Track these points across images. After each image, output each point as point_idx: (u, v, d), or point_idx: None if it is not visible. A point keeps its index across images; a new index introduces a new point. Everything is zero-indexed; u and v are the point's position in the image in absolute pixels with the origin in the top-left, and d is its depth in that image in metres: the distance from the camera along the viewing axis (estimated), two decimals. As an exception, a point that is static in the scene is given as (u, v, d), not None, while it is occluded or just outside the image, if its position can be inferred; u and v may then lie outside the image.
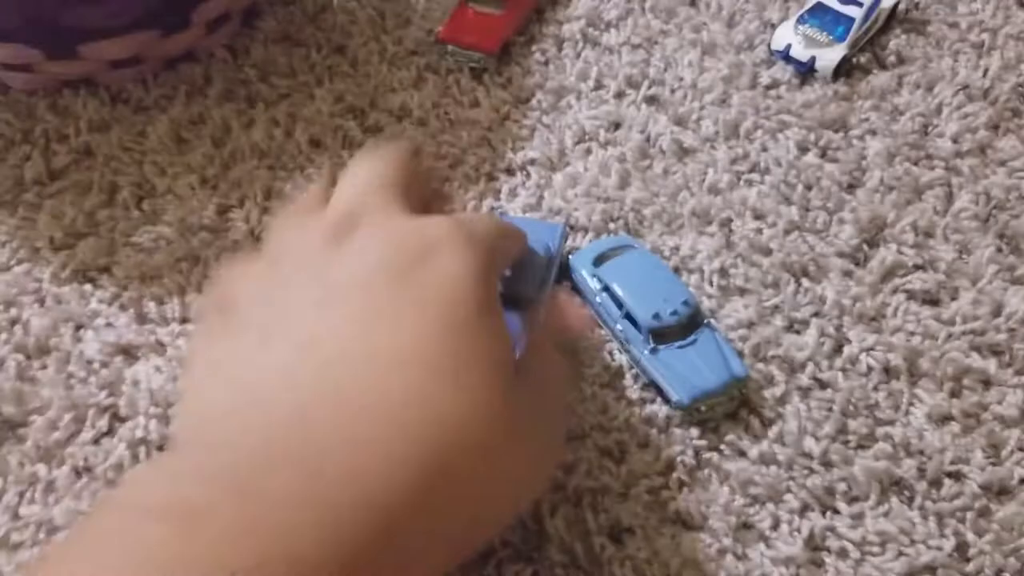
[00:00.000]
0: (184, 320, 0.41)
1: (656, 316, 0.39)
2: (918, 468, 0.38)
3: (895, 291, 0.43)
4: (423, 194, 0.33)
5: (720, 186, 0.47)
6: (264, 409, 0.25)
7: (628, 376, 0.40)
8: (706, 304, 0.43)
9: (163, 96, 0.51)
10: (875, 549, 0.35)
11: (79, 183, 0.46)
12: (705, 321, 0.40)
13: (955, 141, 0.49)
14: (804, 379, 0.40)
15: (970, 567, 0.35)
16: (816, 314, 0.42)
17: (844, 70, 0.52)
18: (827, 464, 0.38)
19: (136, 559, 0.21)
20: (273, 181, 0.47)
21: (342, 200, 0.31)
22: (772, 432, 0.39)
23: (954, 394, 0.40)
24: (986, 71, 0.53)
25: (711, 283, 0.44)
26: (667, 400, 0.39)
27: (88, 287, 0.42)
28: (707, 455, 0.38)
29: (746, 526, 0.36)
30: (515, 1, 0.53)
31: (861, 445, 0.38)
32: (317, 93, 0.51)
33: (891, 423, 0.39)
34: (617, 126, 0.50)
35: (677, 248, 0.45)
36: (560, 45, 0.54)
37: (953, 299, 0.43)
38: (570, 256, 0.44)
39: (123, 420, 0.38)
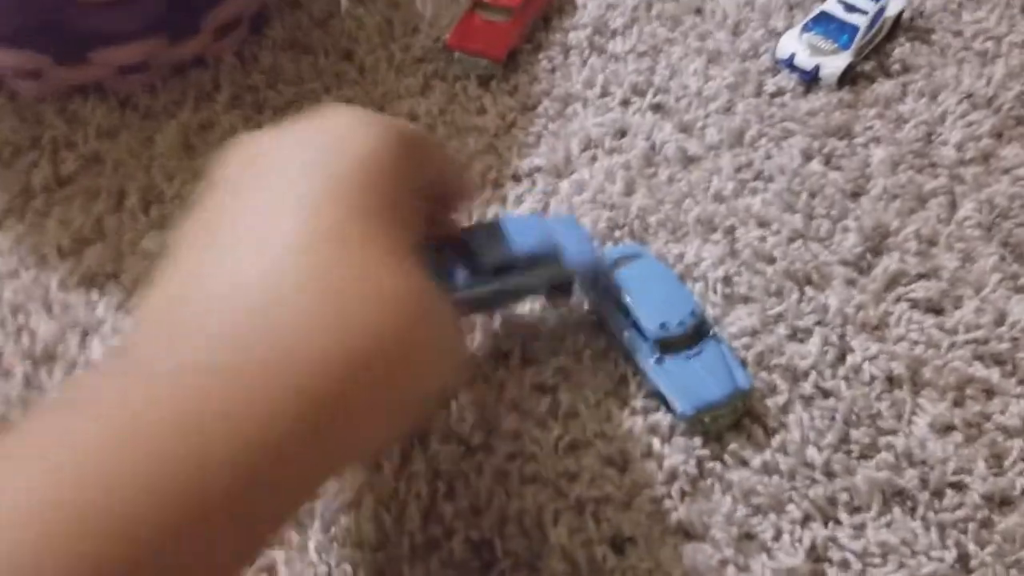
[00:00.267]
0: (191, 327, 0.42)
1: (663, 326, 0.39)
2: (920, 478, 0.38)
3: (898, 300, 0.43)
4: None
5: (724, 194, 0.47)
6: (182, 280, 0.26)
7: (632, 385, 0.40)
8: (710, 312, 0.43)
9: (172, 102, 0.51)
10: (876, 560, 0.36)
11: (87, 189, 0.47)
12: (711, 331, 0.41)
13: (959, 149, 0.49)
14: (807, 388, 0.40)
15: (972, 578, 0.35)
16: (819, 323, 0.43)
17: (849, 78, 0.52)
18: (829, 474, 0.38)
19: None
20: (280, 188, 0.47)
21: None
22: (775, 441, 0.39)
23: (957, 404, 0.40)
24: (990, 79, 0.53)
25: (715, 291, 0.44)
26: (671, 410, 0.39)
27: (95, 294, 0.43)
28: (710, 465, 0.38)
29: (748, 536, 0.37)
30: (522, 9, 0.53)
31: (863, 455, 0.39)
32: (325, 100, 0.51)
33: (893, 433, 0.39)
34: (623, 133, 0.50)
35: (681, 256, 0.45)
36: (567, 53, 0.54)
37: (956, 308, 0.43)
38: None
39: (131, 427, 0.38)
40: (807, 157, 0.49)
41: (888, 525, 0.37)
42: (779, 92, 0.52)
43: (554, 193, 0.47)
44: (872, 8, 0.53)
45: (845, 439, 0.39)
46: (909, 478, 0.38)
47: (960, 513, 0.37)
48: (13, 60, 0.48)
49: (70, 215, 0.46)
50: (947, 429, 0.39)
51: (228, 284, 0.25)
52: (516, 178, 0.48)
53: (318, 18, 0.55)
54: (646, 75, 0.53)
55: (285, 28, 0.54)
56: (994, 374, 0.41)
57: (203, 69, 0.52)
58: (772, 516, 0.37)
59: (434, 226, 0.34)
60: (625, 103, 0.51)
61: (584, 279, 0.40)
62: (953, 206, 0.47)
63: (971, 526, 0.36)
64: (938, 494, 0.37)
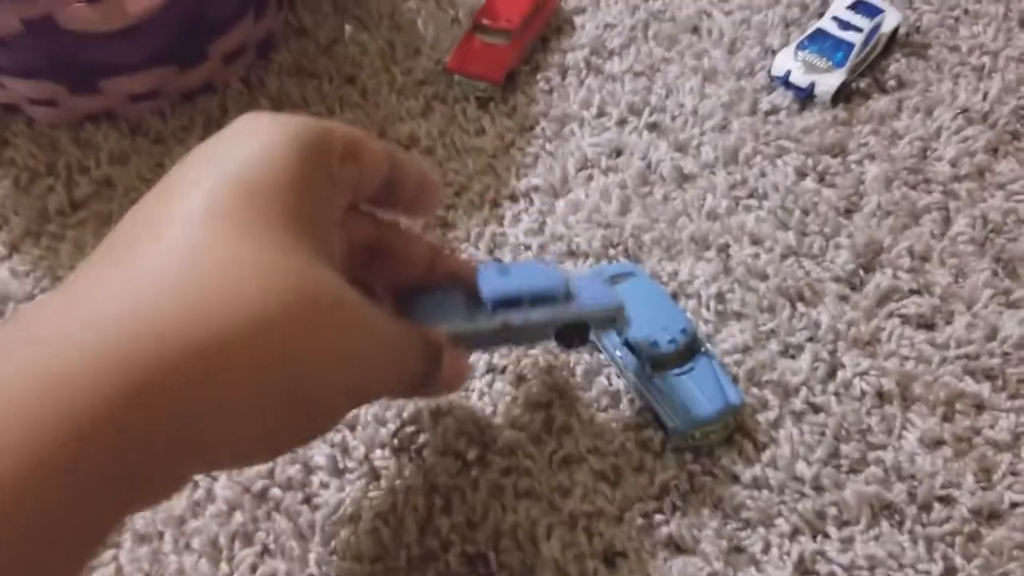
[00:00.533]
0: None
1: (654, 344, 0.40)
2: (909, 492, 0.38)
3: (890, 315, 0.44)
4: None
5: (719, 212, 0.48)
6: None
7: (625, 401, 0.41)
8: (703, 329, 0.44)
9: (181, 128, 0.53)
10: (864, 573, 0.36)
11: (100, 213, 0.49)
12: (703, 349, 0.41)
13: (953, 165, 0.50)
14: (798, 403, 0.41)
15: (958, 591, 0.36)
16: (811, 339, 0.43)
17: (844, 95, 0.53)
18: (818, 488, 0.39)
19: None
20: (284, 210, 0.48)
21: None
22: (765, 456, 0.39)
23: (946, 418, 0.41)
24: (986, 94, 0.53)
25: (708, 308, 0.44)
26: (663, 426, 0.40)
27: (106, 316, 0.44)
28: (701, 479, 0.39)
29: (737, 550, 0.37)
30: (520, 32, 0.54)
31: (853, 469, 0.39)
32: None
33: (883, 447, 0.40)
34: (619, 153, 0.51)
35: (675, 273, 0.46)
36: (564, 73, 0.55)
37: (948, 323, 0.44)
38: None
39: (137, 445, 0.40)
40: (801, 174, 0.50)
41: (876, 539, 0.37)
42: (774, 110, 0.53)
43: (550, 212, 0.48)
44: (867, 25, 0.53)
45: (835, 454, 0.40)
46: (897, 492, 0.38)
47: (948, 527, 0.37)
48: (29, 90, 0.49)
49: (84, 238, 0.47)
50: (937, 444, 0.40)
51: (112, 270, 0.25)
52: (513, 198, 0.49)
53: (323, 44, 0.56)
54: (642, 95, 0.53)
55: (291, 54, 0.56)
56: (984, 389, 0.41)
57: (211, 95, 0.54)
58: (761, 530, 0.38)
59: (384, 228, 0.35)
60: (621, 123, 0.52)
61: (600, 321, 0.38)
62: (947, 222, 0.48)
63: (958, 539, 0.37)
64: (926, 508, 0.38)
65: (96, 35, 0.46)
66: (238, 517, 0.38)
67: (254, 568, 0.37)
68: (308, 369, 0.26)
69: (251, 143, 0.28)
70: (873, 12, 0.54)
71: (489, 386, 0.42)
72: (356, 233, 0.34)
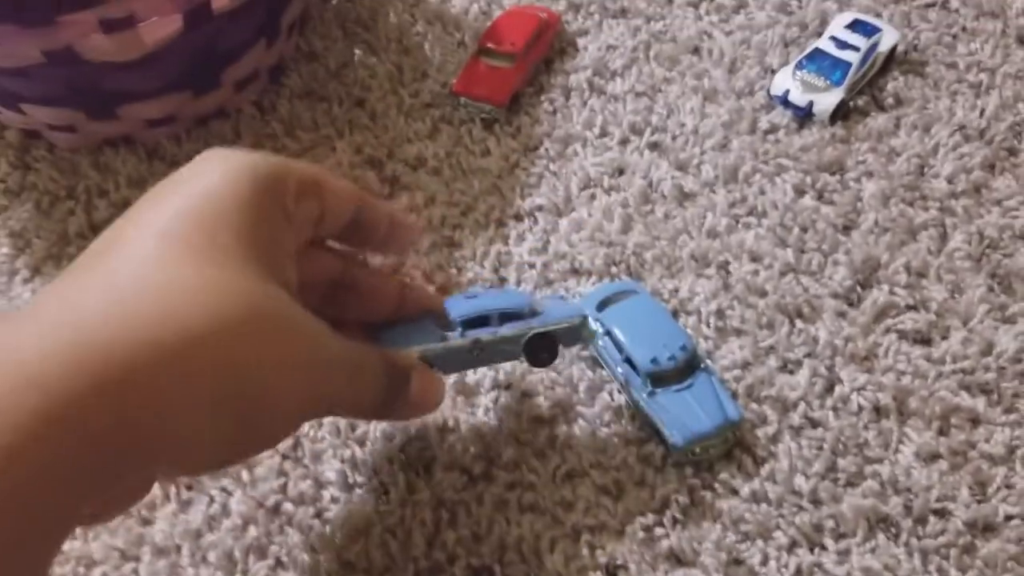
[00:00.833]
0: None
1: (654, 361, 0.41)
2: (905, 505, 0.39)
3: (887, 331, 0.45)
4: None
5: (719, 230, 0.49)
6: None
7: (627, 416, 0.42)
8: (703, 345, 0.45)
9: (196, 151, 0.52)
10: (859, 584, 0.37)
11: (117, 237, 0.50)
12: (702, 365, 0.42)
13: (950, 181, 0.51)
14: (796, 418, 0.42)
15: (952, 602, 0.37)
16: (809, 354, 0.44)
17: (842, 113, 0.54)
18: (816, 502, 0.40)
19: None
20: (296, 231, 0.50)
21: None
22: (764, 471, 0.40)
23: (942, 432, 0.42)
24: (983, 111, 0.54)
25: (708, 325, 0.46)
26: (663, 441, 0.41)
27: (124, 336, 0.46)
28: (701, 493, 0.40)
29: (737, 562, 0.38)
30: (524, 55, 0.56)
31: (850, 483, 0.40)
32: (338, 145, 0.54)
33: (880, 461, 0.41)
34: (621, 172, 0.52)
35: (676, 290, 0.47)
36: (567, 94, 0.57)
37: (944, 338, 0.45)
38: (575, 300, 0.46)
39: (155, 462, 0.41)
40: (800, 192, 0.51)
41: (872, 551, 0.38)
42: (773, 129, 0.54)
43: (554, 231, 0.50)
44: (864, 45, 0.54)
45: (832, 468, 0.40)
46: (894, 505, 0.39)
47: (943, 539, 0.38)
48: (50, 116, 0.51)
49: (101, 261, 0.49)
50: (933, 457, 0.41)
51: (76, 281, 0.28)
52: (518, 217, 0.51)
53: (333, 68, 0.58)
54: (644, 115, 0.55)
55: (302, 78, 0.57)
56: (980, 403, 0.42)
57: (225, 119, 0.55)
58: (760, 542, 0.39)
59: (351, 264, 0.38)
60: (623, 142, 0.54)
61: (567, 333, 0.40)
62: (943, 238, 0.49)
63: (953, 552, 0.38)
64: (922, 520, 0.39)
65: (114, 64, 0.47)
66: (252, 531, 0.39)
67: (267, 581, 0.38)
68: (255, 374, 0.28)
69: (209, 177, 0.30)
70: (870, 31, 0.55)
71: (495, 402, 0.43)
72: (319, 268, 0.36)
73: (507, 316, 0.39)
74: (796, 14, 0.60)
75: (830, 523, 0.39)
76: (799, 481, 0.40)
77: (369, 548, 0.39)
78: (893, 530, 0.39)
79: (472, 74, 0.56)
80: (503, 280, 0.48)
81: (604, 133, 0.54)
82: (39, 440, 0.23)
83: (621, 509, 0.39)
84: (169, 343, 0.26)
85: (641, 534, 0.39)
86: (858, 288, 0.47)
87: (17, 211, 0.52)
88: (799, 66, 0.55)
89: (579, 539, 0.39)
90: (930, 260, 0.48)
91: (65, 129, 0.53)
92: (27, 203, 0.52)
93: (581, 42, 0.59)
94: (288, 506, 0.40)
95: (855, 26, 0.56)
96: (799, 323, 0.45)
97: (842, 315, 0.46)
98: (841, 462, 0.41)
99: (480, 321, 0.38)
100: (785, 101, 0.54)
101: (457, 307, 0.39)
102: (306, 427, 0.42)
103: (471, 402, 0.43)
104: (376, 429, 0.42)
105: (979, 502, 0.40)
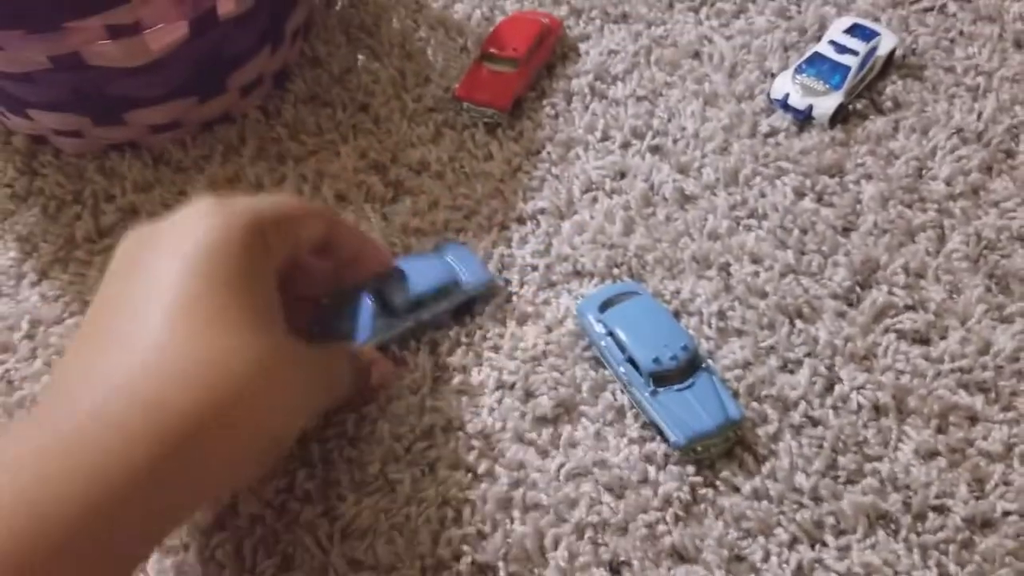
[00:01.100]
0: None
1: (656, 360, 0.42)
2: (904, 502, 0.40)
3: (886, 331, 0.45)
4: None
5: (720, 232, 0.50)
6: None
7: (630, 415, 0.43)
8: (704, 346, 0.45)
9: (201, 156, 0.55)
10: (860, 580, 0.38)
11: (125, 240, 0.51)
12: (704, 364, 0.43)
13: (948, 183, 0.51)
14: (796, 417, 0.42)
15: (952, 597, 0.37)
16: (809, 354, 0.45)
17: (841, 117, 0.55)
18: (817, 499, 0.40)
19: None
20: (301, 235, 0.50)
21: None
22: (765, 468, 0.41)
23: (941, 430, 0.42)
24: (980, 114, 0.55)
25: (709, 325, 0.46)
26: (666, 440, 0.41)
27: (132, 338, 0.46)
28: (702, 491, 0.40)
29: (738, 559, 0.39)
30: (527, 60, 0.56)
31: (850, 480, 0.41)
32: (343, 150, 0.55)
33: (879, 459, 0.41)
34: (622, 175, 0.53)
35: (678, 292, 0.47)
36: (569, 99, 0.57)
37: (942, 338, 0.45)
38: (577, 301, 0.47)
39: (163, 462, 0.42)
40: (799, 195, 0.51)
41: (872, 547, 0.39)
42: (773, 132, 0.54)
43: (556, 234, 0.50)
44: (863, 49, 0.55)
45: (832, 465, 0.41)
46: (893, 502, 0.40)
47: (942, 535, 0.39)
48: (56, 122, 0.52)
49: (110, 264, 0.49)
50: (931, 455, 0.41)
51: (107, 360, 0.31)
52: (521, 220, 0.51)
53: (336, 73, 0.58)
54: (645, 118, 0.55)
55: (306, 83, 0.58)
56: (978, 401, 0.43)
57: (230, 124, 0.56)
58: (761, 539, 0.39)
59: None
60: (625, 146, 0.54)
61: (483, 296, 0.47)
62: (941, 239, 0.49)
63: (952, 547, 0.38)
64: (921, 517, 0.39)
65: (120, 70, 0.48)
66: (259, 530, 0.40)
67: (275, 579, 0.39)
68: (276, 417, 0.34)
69: (197, 235, 0.33)
70: (869, 35, 0.56)
71: (499, 402, 0.43)
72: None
73: (441, 293, 0.45)
74: (795, 19, 0.61)
75: (830, 520, 0.39)
76: (800, 479, 0.40)
77: (375, 546, 0.39)
78: (893, 526, 0.39)
79: (475, 79, 0.56)
80: (507, 283, 0.48)
81: (606, 137, 0.55)
82: (123, 502, 0.28)
83: (624, 507, 0.40)
84: (202, 412, 0.30)
85: (644, 531, 0.39)
86: (857, 289, 0.47)
87: (24, 216, 0.53)
88: (799, 70, 0.56)
89: (583, 536, 0.39)
90: (928, 261, 0.48)
91: (71, 134, 0.53)
92: (34, 208, 0.53)
93: (583, 47, 0.60)
94: (295, 505, 0.40)
95: (854, 30, 0.57)
96: (799, 323, 0.46)
97: (842, 315, 0.46)
98: (841, 460, 0.41)
99: (419, 303, 0.45)
100: (785, 105, 0.55)
101: (394, 291, 0.44)
102: (310, 425, 0.43)
103: (475, 402, 0.43)
104: (383, 429, 0.42)
105: (977, 499, 0.40)
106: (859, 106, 0.56)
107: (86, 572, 0.28)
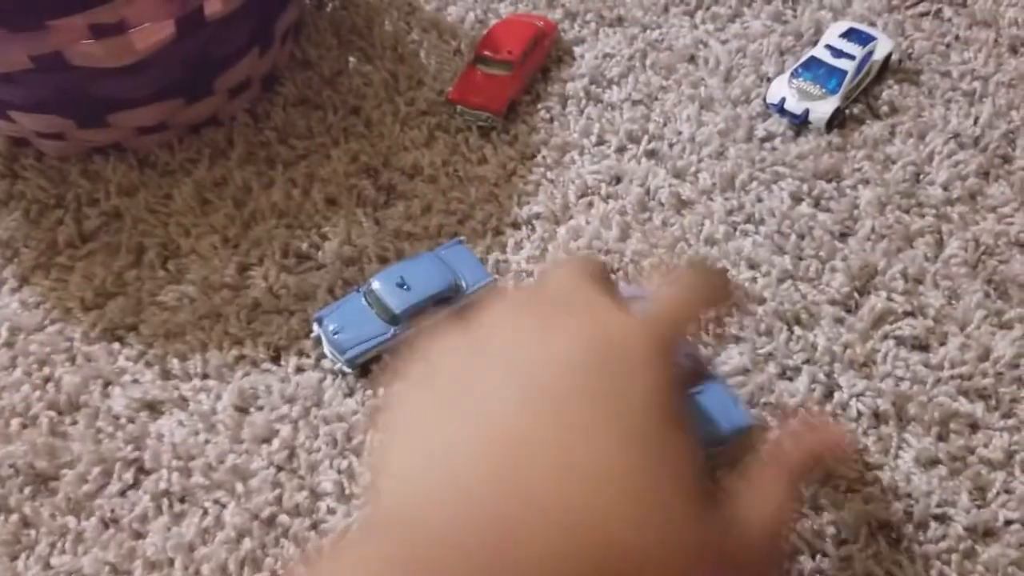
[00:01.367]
0: (205, 376, 0.44)
1: None
2: (905, 511, 0.39)
3: (885, 337, 0.45)
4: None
5: (716, 237, 0.49)
6: (463, 499, 0.25)
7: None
8: (703, 352, 0.44)
9: (188, 160, 0.54)
10: (862, 592, 0.37)
11: (109, 245, 0.50)
12: (711, 375, 0.42)
13: (946, 188, 0.51)
14: (796, 425, 0.42)
15: (956, 609, 0.37)
16: (808, 361, 0.44)
17: (838, 121, 0.54)
18: (817, 508, 0.39)
19: None
20: (291, 239, 0.50)
21: (553, 283, 0.31)
22: (764, 477, 0.40)
23: (941, 438, 0.41)
24: (977, 119, 0.54)
25: (707, 332, 0.45)
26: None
27: (116, 345, 0.45)
28: (701, 501, 0.39)
29: (738, 570, 0.38)
30: (521, 63, 0.55)
31: (850, 489, 0.40)
32: (333, 153, 0.54)
33: (880, 467, 0.41)
34: (618, 180, 0.52)
35: (674, 298, 0.47)
36: (564, 103, 0.56)
37: (942, 344, 0.45)
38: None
39: (148, 473, 0.41)
40: (796, 200, 0.51)
41: (874, 557, 0.38)
42: (769, 136, 0.54)
43: (552, 239, 0.49)
44: (859, 53, 0.55)
45: (833, 474, 0.40)
46: (894, 511, 0.39)
47: (944, 544, 0.38)
48: (38, 124, 0.51)
49: (93, 270, 0.48)
50: (932, 463, 0.41)
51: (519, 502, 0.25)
52: (516, 225, 0.50)
53: (327, 76, 0.58)
54: (641, 123, 0.55)
55: (296, 86, 0.57)
56: (978, 408, 0.42)
57: (217, 127, 0.55)
58: (761, 550, 0.38)
59: None
60: (620, 150, 0.54)
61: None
62: (939, 245, 0.49)
63: (954, 557, 0.38)
64: (922, 526, 0.39)
65: (104, 71, 0.47)
66: (247, 544, 0.39)
67: (263, 593, 0.38)
68: None
69: (647, 376, 0.27)
70: (865, 40, 0.55)
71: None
72: None
73: (441, 299, 0.44)
74: (791, 23, 0.60)
75: (831, 529, 0.39)
76: (800, 488, 0.40)
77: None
78: (894, 536, 0.39)
79: (468, 82, 0.55)
80: (500, 288, 0.47)
81: (601, 141, 0.54)
82: None
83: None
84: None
85: None
86: (856, 295, 0.47)
87: (5, 220, 0.51)
88: (795, 74, 0.55)
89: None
90: (927, 266, 0.48)
91: (54, 137, 0.52)
92: (15, 212, 0.52)
93: (578, 50, 0.59)
94: (284, 518, 0.39)
95: (850, 35, 0.56)
96: (797, 330, 0.45)
97: (840, 321, 0.45)
98: (841, 468, 0.40)
99: (419, 310, 0.44)
100: (781, 109, 0.54)
101: (395, 297, 0.44)
102: (302, 438, 0.42)
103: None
104: (373, 439, 0.41)
105: (979, 507, 0.39)
106: (855, 111, 0.55)
107: None
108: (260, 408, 0.43)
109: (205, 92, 0.52)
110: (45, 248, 0.50)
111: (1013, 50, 0.59)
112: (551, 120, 0.56)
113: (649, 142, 0.54)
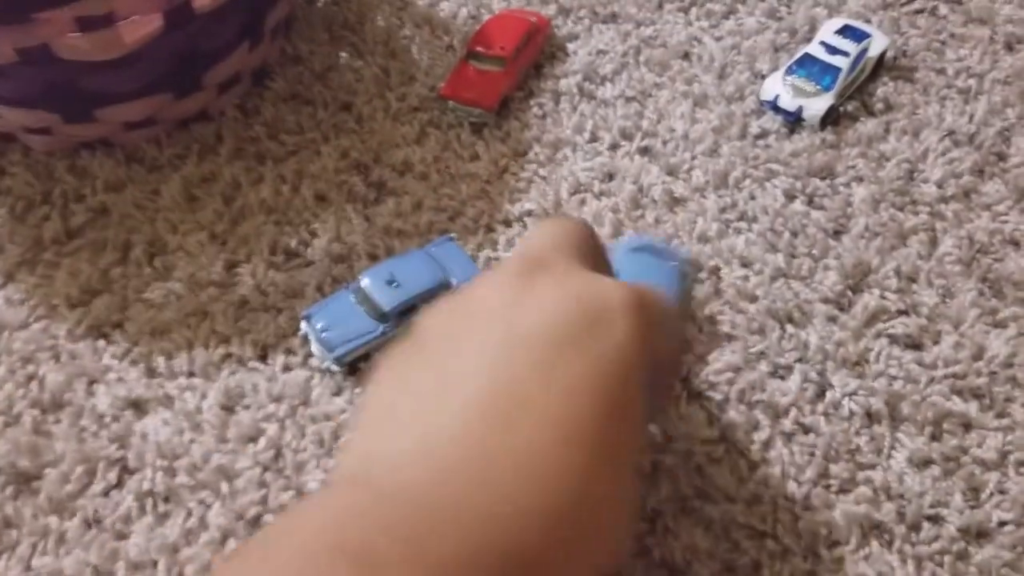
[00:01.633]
0: (191, 374, 0.44)
1: None
2: (898, 512, 0.39)
3: (878, 336, 0.44)
4: (595, 265, 0.34)
5: (709, 235, 0.49)
6: (438, 461, 0.25)
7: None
8: (695, 350, 0.44)
9: (176, 155, 0.53)
10: (854, 593, 0.36)
11: (95, 241, 0.49)
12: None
13: (940, 186, 0.51)
14: (788, 424, 0.41)
15: (948, 611, 0.36)
16: (800, 359, 0.44)
17: (832, 119, 0.54)
18: (809, 508, 0.39)
19: None
20: (279, 236, 0.49)
21: (531, 247, 0.32)
22: (757, 476, 0.40)
23: (935, 438, 0.41)
24: (972, 116, 0.54)
25: (700, 330, 0.45)
26: (653, 447, 0.40)
27: (101, 343, 0.45)
28: (693, 502, 0.39)
29: (729, 570, 0.37)
30: (514, 59, 0.55)
31: (842, 489, 0.40)
32: (323, 149, 0.53)
33: (872, 467, 0.40)
34: (611, 177, 0.52)
35: (666, 296, 0.46)
36: (557, 99, 0.56)
37: (935, 343, 0.44)
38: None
39: (131, 472, 0.40)
40: (790, 197, 0.50)
41: (866, 558, 0.38)
42: (763, 134, 0.53)
43: (543, 236, 0.49)
44: (854, 50, 0.54)
45: (824, 474, 0.40)
46: (887, 512, 0.39)
47: (936, 546, 0.38)
48: (24, 118, 0.50)
49: (78, 267, 0.48)
50: (925, 463, 0.40)
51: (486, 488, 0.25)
52: (507, 222, 0.50)
53: (318, 71, 0.57)
54: (634, 120, 0.54)
55: (286, 81, 0.57)
56: (972, 408, 0.42)
57: (207, 122, 0.54)
58: (752, 551, 0.38)
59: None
60: (613, 147, 0.53)
61: None
62: (934, 243, 0.48)
63: (947, 559, 0.37)
64: (915, 527, 0.38)
65: (92, 64, 0.46)
66: (232, 545, 0.38)
67: (248, 593, 0.37)
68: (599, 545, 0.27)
69: (616, 332, 0.28)
70: (860, 37, 0.55)
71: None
72: None
73: (430, 296, 0.43)
74: (786, 20, 0.60)
75: (823, 530, 0.38)
76: (791, 487, 0.39)
77: (353, 559, 0.37)
78: (887, 537, 0.38)
79: (460, 78, 0.55)
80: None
81: (594, 138, 0.54)
82: None
83: (611, 518, 0.39)
84: (549, 514, 0.25)
85: (633, 544, 0.38)
86: (849, 293, 0.46)
87: (-8, 215, 0.51)
88: (789, 71, 0.55)
89: (569, 549, 0.38)
90: (920, 265, 0.47)
91: (40, 132, 0.51)
92: (1, 208, 0.51)
93: (571, 47, 0.59)
94: (269, 518, 0.39)
95: (845, 31, 0.56)
96: (790, 328, 0.45)
97: (833, 320, 0.45)
98: (833, 468, 0.40)
99: (409, 308, 0.43)
100: (775, 106, 0.54)
101: (385, 295, 0.43)
102: (288, 437, 0.41)
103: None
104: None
105: (972, 508, 0.39)
106: (850, 108, 0.55)
107: None
108: (246, 407, 0.43)
109: (194, 87, 0.52)
110: (31, 244, 0.49)
111: (1008, 47, 0.58)
112: (544, 116, 0.55)
113: (642, 139, 0.53)
